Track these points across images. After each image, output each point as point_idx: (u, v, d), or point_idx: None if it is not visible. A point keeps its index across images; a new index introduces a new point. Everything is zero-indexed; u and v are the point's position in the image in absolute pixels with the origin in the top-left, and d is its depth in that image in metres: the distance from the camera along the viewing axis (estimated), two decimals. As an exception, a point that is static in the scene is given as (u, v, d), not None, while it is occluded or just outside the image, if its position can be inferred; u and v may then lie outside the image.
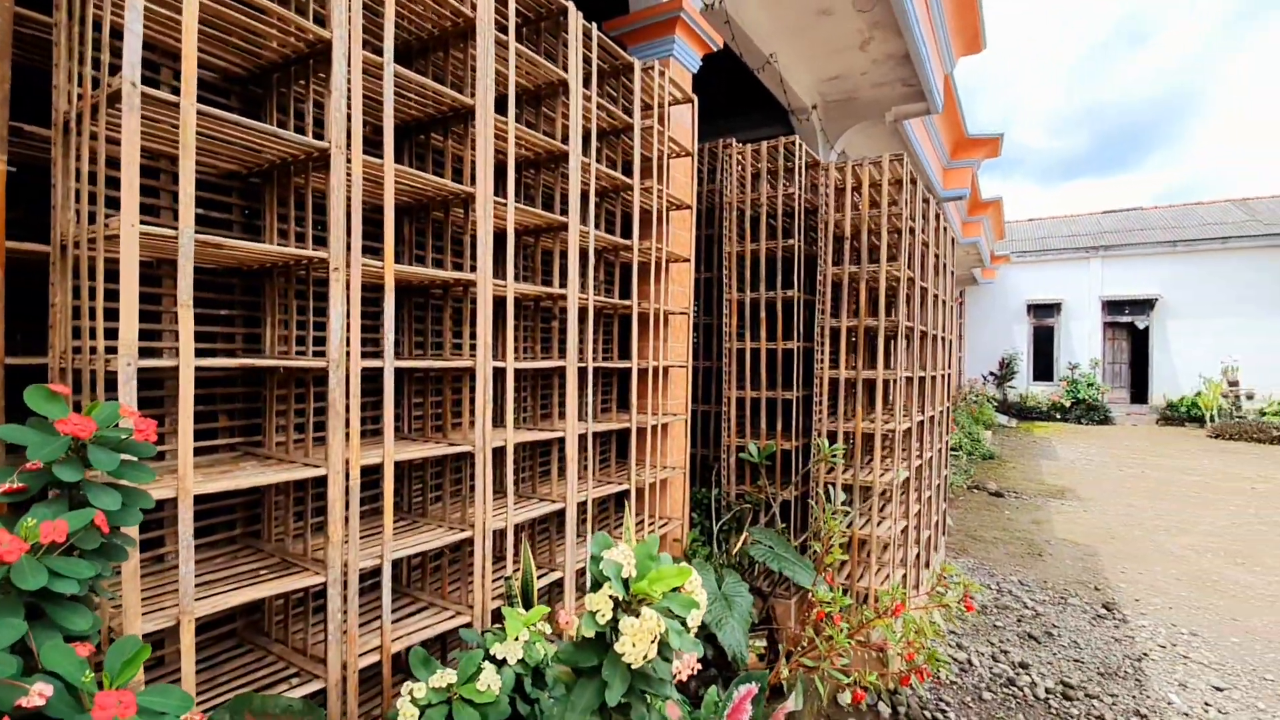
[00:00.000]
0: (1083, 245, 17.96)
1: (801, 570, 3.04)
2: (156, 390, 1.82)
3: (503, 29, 2.24)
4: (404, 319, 2.44)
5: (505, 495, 2.28)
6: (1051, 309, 18.50)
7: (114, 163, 1.34)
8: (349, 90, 1.72)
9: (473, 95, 2.13)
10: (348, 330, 1.73)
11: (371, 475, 2.29)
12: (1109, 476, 9.74)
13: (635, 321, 2.99)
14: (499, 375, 2.33)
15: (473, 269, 2.13)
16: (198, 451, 1.87)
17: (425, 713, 1.55)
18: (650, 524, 3.12)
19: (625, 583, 1.51)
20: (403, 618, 2.05)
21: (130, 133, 1.33)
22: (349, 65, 1.71)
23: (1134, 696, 3.37)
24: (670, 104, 3.39)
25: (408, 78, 1.91)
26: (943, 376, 4.67)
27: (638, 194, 2.99)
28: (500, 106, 2.23)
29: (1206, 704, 3.32)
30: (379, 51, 1.81)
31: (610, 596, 1.43)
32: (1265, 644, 4.04)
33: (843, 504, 3.25)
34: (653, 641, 1.37)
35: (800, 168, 3.72)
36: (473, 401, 2.15)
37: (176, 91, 1.40)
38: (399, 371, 2.38)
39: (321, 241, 1.87)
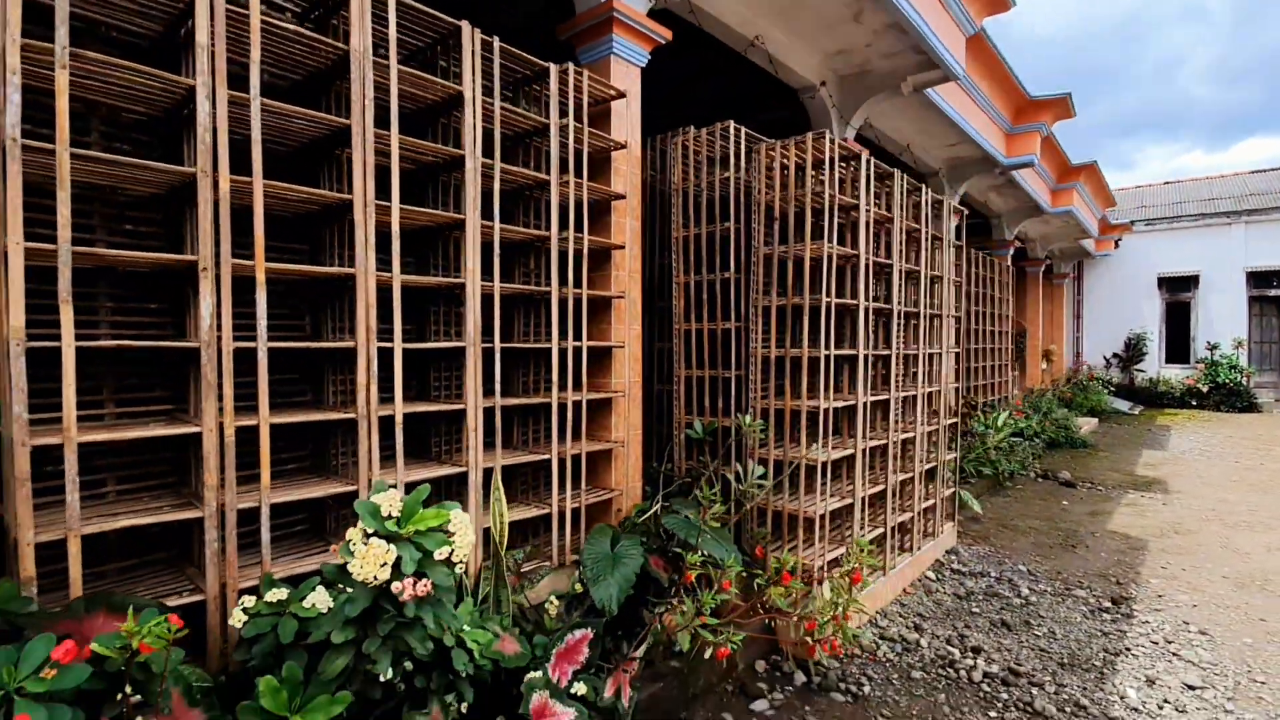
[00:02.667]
0: (1224, 210, 15.73)
1: (713, 542, 3.19)
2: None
3: (386, 54, 2.59)
4: (324, 310, 2.87)
5: (395, 461, 2.65)
6: (1187, 282, 16.40)
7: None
8: (214, 124, 2.13)
9: (348, 116, 2.49)
10: (218, 317, 2.16)
11: (291, 437, 2.76)
12: (1216, 469, 8.69)
13: (555, 306, 3.26)
14: (402, 356, 2.70)
15: (352, 263, 2.51)
16: (128, 415, 2.40)
17: (253, 620, 1.94)
18: (585, 493, 3.39)
19: (399, 521, 1.82)
20: (290, 555, 2.48)
21: (13, 175, 1.80)
22: (213, 104, 2.13)
23: (1084, 689, 3.21)
24: (607, 100, 3.60)
25: (279, 108, 2.30)
26: (929, 356, 4.52)
27: (555, 189, 3.25)
28: (403, 121, 2.58)
29: (1165, 701, 3.10)
30: (267, 88, 2.21)
31: (362, 530, 1.75)
32: (1278, 645, 3.64)
33: (759, 479, 3.36)
34: (382, 565, 1.67)
35: (735, 151, 3.79)
36: (382, 379, 2.53)
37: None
38: (315, 351, 2.82)
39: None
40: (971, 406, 7.17)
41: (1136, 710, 3.03)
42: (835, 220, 3.37)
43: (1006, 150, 8.22)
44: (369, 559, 1.65)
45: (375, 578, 1.67)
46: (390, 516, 1.79)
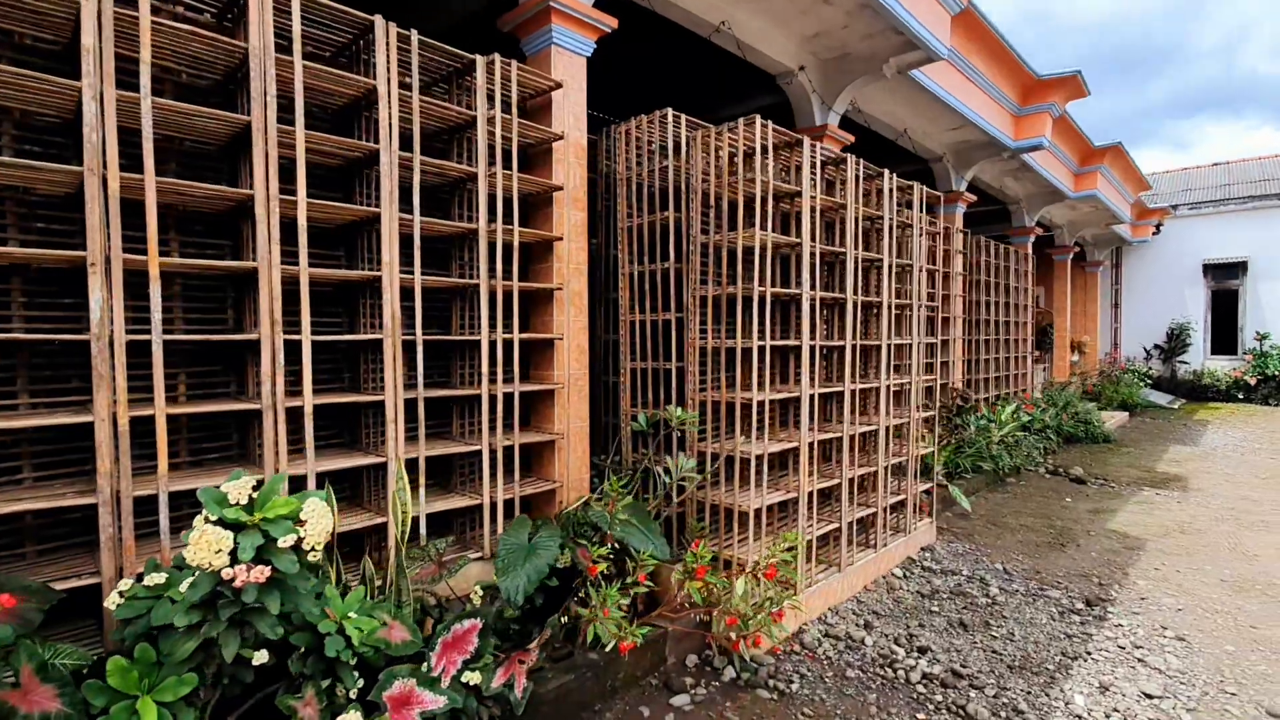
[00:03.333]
0: (1275, 192, 14.80)
1: (643, 536, 3.16)
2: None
3: (287, 50, 2.63)
4: (243, 303, 2.93)
5: (305, 450, 2.70)
6: (1234, 269, 15.50)
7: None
8: (102, 123, 2.20)
9: (248, 114, 2.54)
10: (110, 311, 2.23)
11: (207, 428, 2.84)
12: (1245, 466, 8.22)
13: (485, 298, 3.27)
14: (322, 348, 2.75)
15: (254, 257, 2.56)
16: (44, 405, 2.50)
17: (128, 602, 2.01)
18: (520, 485, 3.40)
19: (250, 509, 1.86)
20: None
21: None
22: (100, 105, 2.19)
23: (1029, 693, 3.07)
24: (545, 91, 3.59)
25: (175, 108, 2.36)
26: (894, 347, 4.38)
27: (484, 181, 3.25)
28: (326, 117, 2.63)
29: (1115, 710, 2.94)
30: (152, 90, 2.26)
31: (204, 518, 1.78)
32: (1267, 657, 3.42)
33: (688, 471, 3.31)
34: (217, 551, 1.71)
35: (675, 139, 3.73)
36: (293, 371, 2.59)
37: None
38: (234, 343, 2.89)
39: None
40: (964, 400, 6.93)
41: (1080, 718, 2.89)
42: (769, 208, 3.29)
43: (1014, 133, 7.89)
44: (201, 546, 1.69)
45: (211, 564, 1.70)
46: (238, 504, 1.82)
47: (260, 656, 2.11)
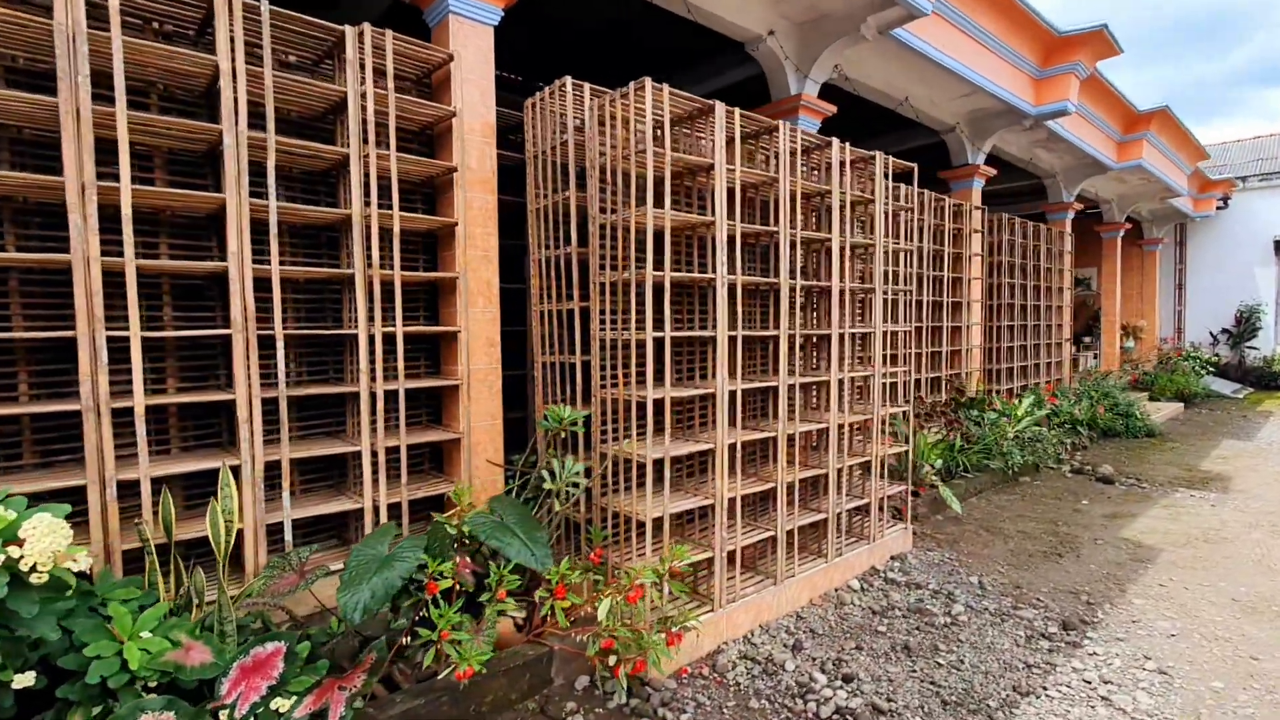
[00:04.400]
0: (1364, 155, 13.21)
1: (521, 545, 2.88)
2: None
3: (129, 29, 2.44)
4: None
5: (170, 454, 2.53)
6: (1315, 245, 13.97)
7: None
8: None
9: (59, 95, 2.36)
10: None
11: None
12: (1306, 464, 7.32)
13: (361, 290, 3.05)
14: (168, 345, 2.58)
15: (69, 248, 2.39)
16: None
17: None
18: (407, 488, 3.18)
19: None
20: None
21: None
22: None
23: (956, 734, 2.67)
24: (438, 64, 3.32)
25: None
26: (849, 336, 3.94)
27: (357, 163, 3.02)
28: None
29: (1051, 759, 2.52)
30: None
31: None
32: (1260, 696, 2.90)
33: (575, 474, 3.01)
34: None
35: (575, 111, 3.39)
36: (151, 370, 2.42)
37: None
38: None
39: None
40: (960, 391, 6.34)
41: (1007, 768, 2.48)
42: (666, 184, 2.93)
43: (1035, 98, 7.16)
44: None
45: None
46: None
47: (24, 680, 1.95)
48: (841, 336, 3.93)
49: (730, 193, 3.36)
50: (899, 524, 4.59)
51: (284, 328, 2.88)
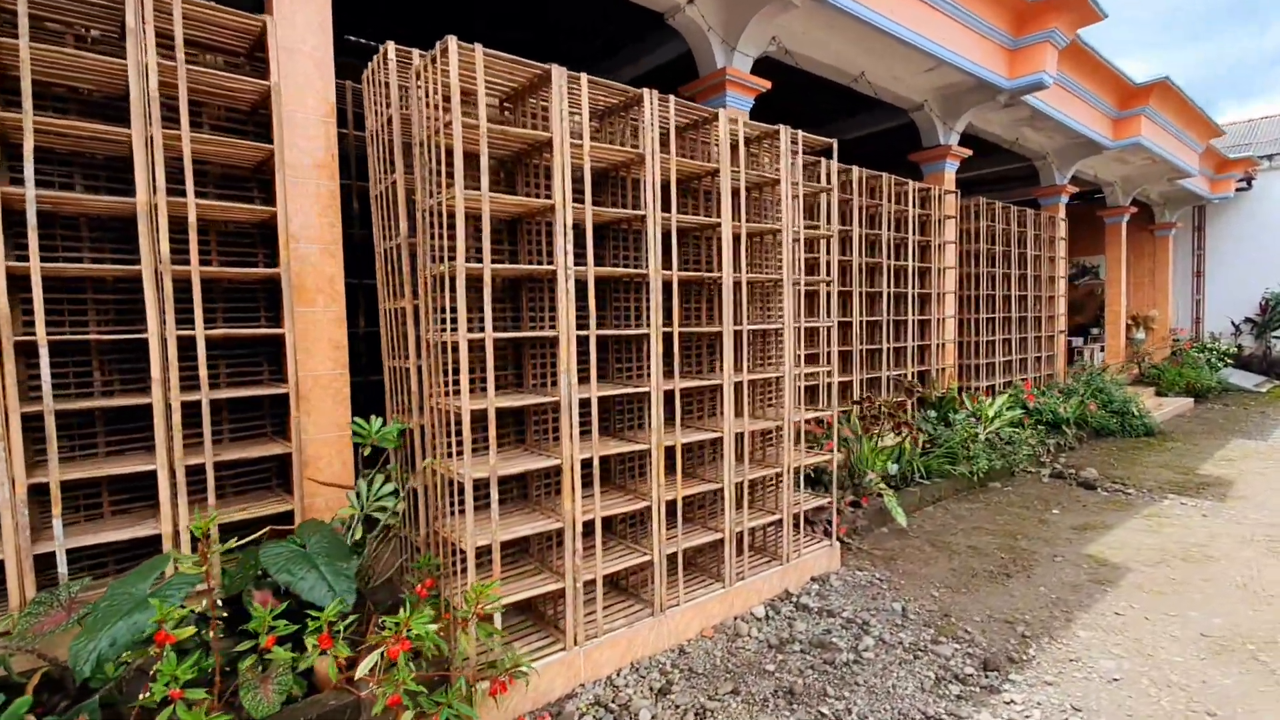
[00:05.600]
0: (1396, 128, 12.25)
1: (315, 580, 2.51)
2: None
3: None
4: None
5: None
6: (1345, 227, 13.04)
7: None
8: None
9: None
10: None
11: None
12: (1316, 467, 6.67)
13: (149, 285, 2.69)
14: None
15: None
16: None
17: None
18: (216, 509, 2.82)
19: None
20: None
21: None
22: None
23: (809, 810, 2.23)
24: (251, 32, 2.95)
25: None
26: (746, 334, 3.48)
27: (140, 145, 2.65)
28: None
29: None
30: None
31: None
32: (1198, 766, 2.41)
33: (383, 496, 2.62)
34: None
35: (397, 79, 2.99)
36: None
37: None
38: None
39: None
40: (909, 392, 5.82)
41: None
42: (483, 161, 2.51)
43: (1009, 70, 6.59)
44: None
45: None
46: None
47: None
48: (738, 334, 3.49)
49: (581, 173, 2.93)
50: (823, 541, 4.12)
51: (48, 332, 2.53)
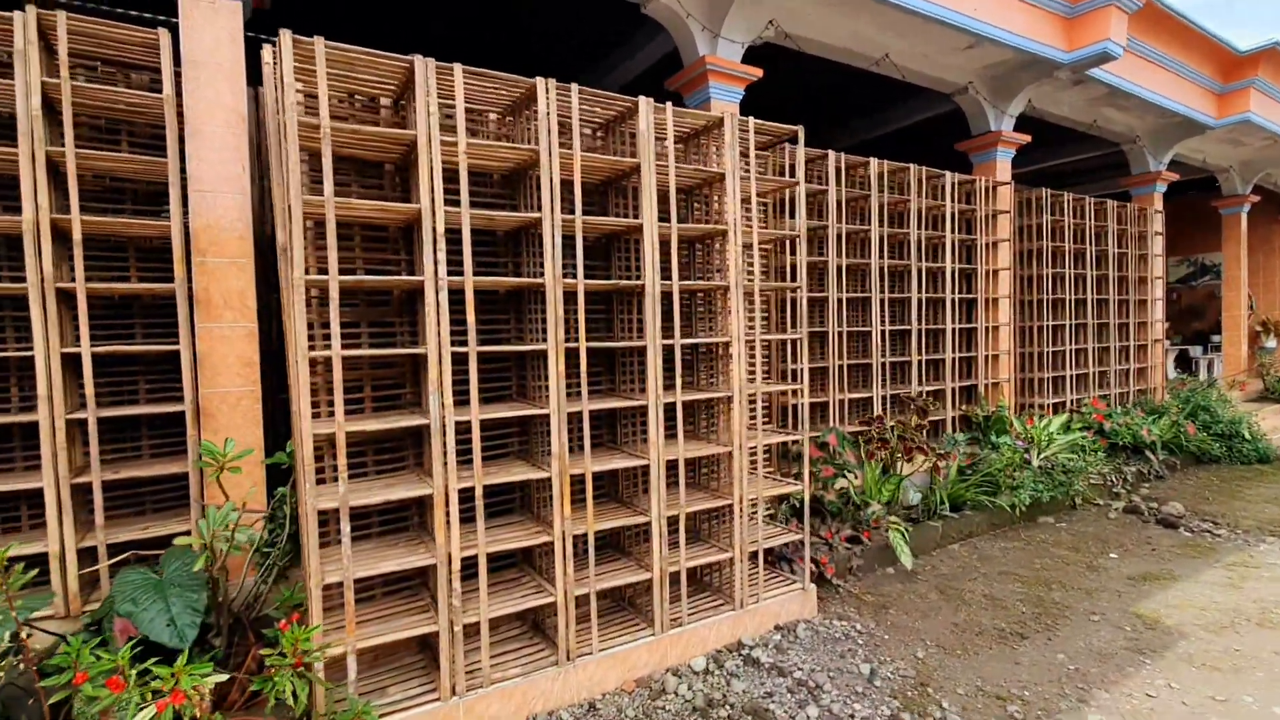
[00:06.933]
0: None
1: (158, 612, 2.37)
2: None
3: None
4: None
5: None
6: None
7: None
8: None
9: None
10: None
11: None
12: None
13: (35, 303, 2.68)
14: None
15: None
16: None
17: None
18: (99, 530, 2.78)
19: None
20: None
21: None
22: None
23: None
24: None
25: None
26: (671, 349, 3.09)
27: (26, 161, 2.66)
28: None
29: None
30: None
31: None
32: None
33: (226, 522, 2.45)
34: None
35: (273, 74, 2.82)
36: None
37: None
38: None
39: None
40: (922, 412, 5.07)
41: None
42: (326, 158, 2.30)
43: (1067, 42, 5.75)
44: None
45: None
46: None
47: None
48: (669, 349, 3.10)
49: (451, 173, 2.66)
50: (792, 583, 3.62)
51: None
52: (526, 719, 2.76)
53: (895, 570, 4.31)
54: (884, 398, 5.40)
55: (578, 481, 2.94)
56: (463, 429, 2.72)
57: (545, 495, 2.92)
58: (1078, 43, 5.72)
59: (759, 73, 4.72)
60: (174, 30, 2.98)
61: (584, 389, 2.82)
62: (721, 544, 3.41)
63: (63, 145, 2.70)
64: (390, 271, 2.93)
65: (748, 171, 3.29)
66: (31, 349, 2.73)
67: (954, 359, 5.94)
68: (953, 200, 5.84)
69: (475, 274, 2.99)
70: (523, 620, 3.15)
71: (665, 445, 3.09)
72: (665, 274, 3.11)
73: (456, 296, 2.60)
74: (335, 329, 2.34)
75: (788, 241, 4.13)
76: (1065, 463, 5.55)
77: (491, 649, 2.85)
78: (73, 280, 2.76)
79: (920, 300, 5.65)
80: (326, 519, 2.63)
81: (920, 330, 5.66)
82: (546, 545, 2.87)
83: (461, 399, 2.64)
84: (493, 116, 3.11)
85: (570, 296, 2.82)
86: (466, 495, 2.68)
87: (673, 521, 3.15)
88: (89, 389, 2.77)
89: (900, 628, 3.58)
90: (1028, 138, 6.64)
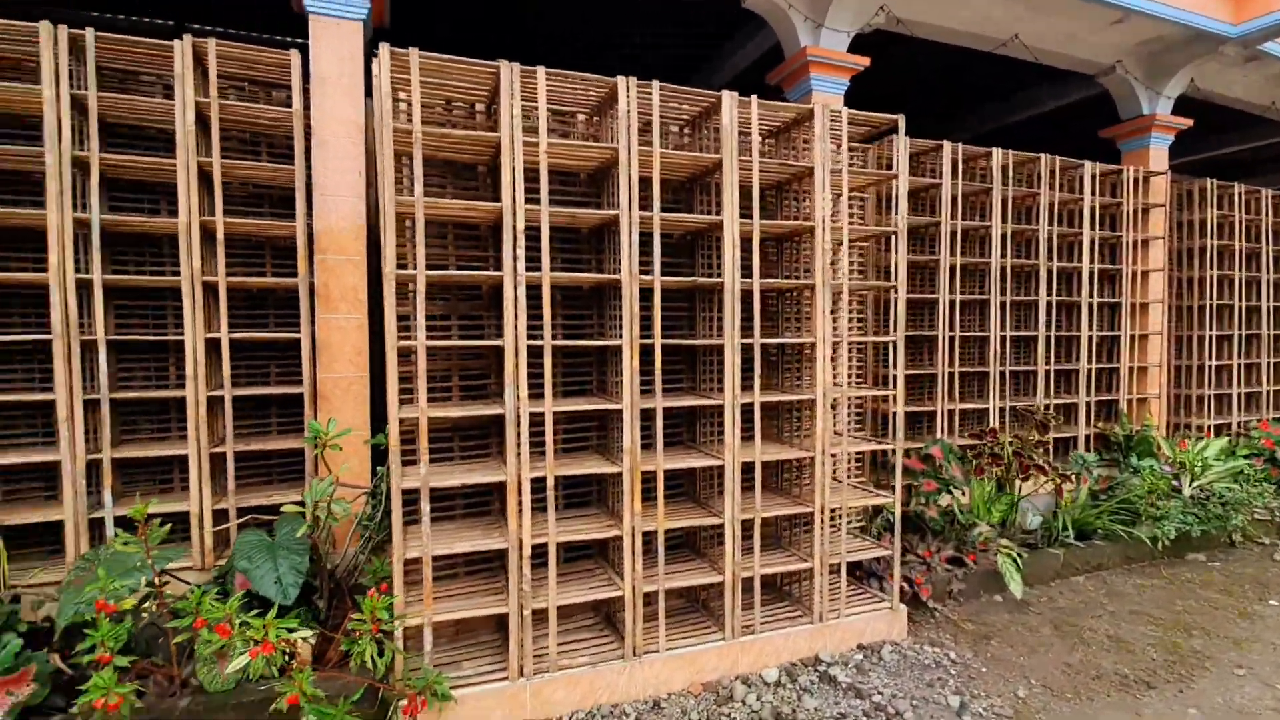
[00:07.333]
0: None
1: (268, 571, 2.63)
2: None
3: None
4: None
5: None
6: None
7: None
8: None
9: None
10: None
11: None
12: None
13: (188, 296, 3.07)
14: None
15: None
16: None
17: None
18: (230, 495, 3.13)
19: None
20: None
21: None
22: None
23: None
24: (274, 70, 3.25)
25: None
26: (750, 349, 3.00)
27: (182, 171, 3.05)
28: None
29: None
30: None
31: None
32: None
33: (324, 495, 2.67)
34: None
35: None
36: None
37: None
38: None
39: None
40: (1042, 427, 4.49)
41: None
42: (417, 161, 2.46)
43: (1234, 13, 4.99)
44: None
45: None
46: None
47: None
48: (748, 348, 3.02)
49: (535, 172, 2.74)
50: (879, 601, 3.41)
51: (108, 333, 3.01)
52: (591, 708, 2.80)
53: (1003, 599, 3.95)
54: (1001, 410, 4.95)
55: (649, 478, 2.94)
56: (542, 420, 2.81)
57: (619, 490, 2.95)
58: (1248, 12, 4.95)
59: (865, 61, 4.50)
60: (303, 50, 3.30)
61: (658, 385, 2.83)
62: (801, 553, 3.28)
63: (210, 155, 3.08)
64: (479, 268, 3.08)
65: (840, 165, 3.14)
66: (182, 334, 3.14)
67: (1089, 370, 5.34)
68: (1092, 193, 5.25)
69: (557, 270, 3.08)
70: (596, 611, 3.20)
71: (741, 447, 3.02)
72: (747, 272, 3.04)
73: (534, 291, 2.69)
74: (420, 320, 2.50)
75: (892, 238, 3.90)
76: (1224, 493, 4.83)
77: (562, 636, 2.92)
78: (215, 274, 3.14)
79: (1050, 304, 5.13)
80: (414, 498, 2.81)
81: (1049, 337, 5.14)
82: (616, 539, 2.90)
83: (537, 391, 2.73)
84: (581, 117, 3.18)
85: (647, 293, 2.84)
86: (544, 484, 2.77)
87: (748, 525, 3.08)
88: (225, 369, 3.14)
89: (1001, 661, 3.27)
90: (1189, 122, 5.84)
